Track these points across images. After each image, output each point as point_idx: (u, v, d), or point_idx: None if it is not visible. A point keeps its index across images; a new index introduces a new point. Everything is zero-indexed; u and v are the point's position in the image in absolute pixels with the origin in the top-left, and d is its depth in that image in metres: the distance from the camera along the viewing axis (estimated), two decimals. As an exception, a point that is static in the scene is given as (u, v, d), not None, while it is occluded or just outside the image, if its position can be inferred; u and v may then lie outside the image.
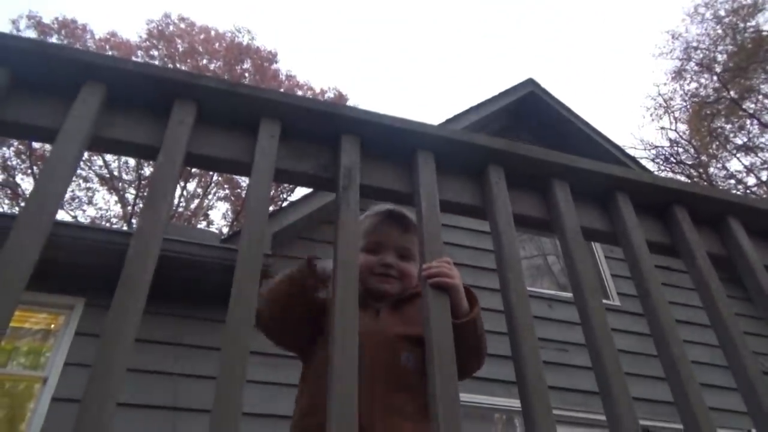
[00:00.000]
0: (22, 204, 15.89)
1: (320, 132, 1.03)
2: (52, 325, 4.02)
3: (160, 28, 18.96)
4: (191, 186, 17.98)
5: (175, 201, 17.08)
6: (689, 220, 1.19)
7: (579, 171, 1.14)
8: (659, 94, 19.08)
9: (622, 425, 0.82)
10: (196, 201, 18.32)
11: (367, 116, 1.04)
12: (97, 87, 0.93)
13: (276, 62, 19.43)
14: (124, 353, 0.69)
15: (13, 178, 16.51)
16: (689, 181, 16.86)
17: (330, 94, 19.34)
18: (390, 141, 1.06)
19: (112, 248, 3.69)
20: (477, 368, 1.26)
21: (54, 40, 17.24)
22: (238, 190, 18.34)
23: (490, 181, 1.07)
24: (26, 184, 16.65)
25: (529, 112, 6.82)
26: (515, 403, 4.64)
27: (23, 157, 16.40)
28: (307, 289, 1.28)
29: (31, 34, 17.02)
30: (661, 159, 18.66)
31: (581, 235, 1.06)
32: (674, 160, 18.64)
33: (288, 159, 1.00)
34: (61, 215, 16.24)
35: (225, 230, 17.33)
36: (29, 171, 16.57)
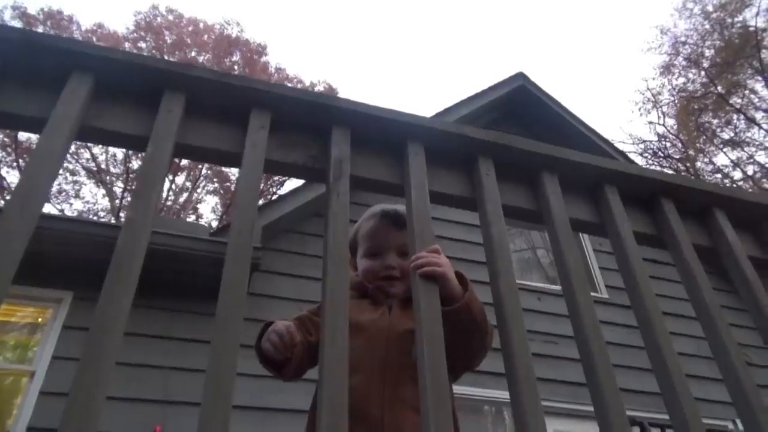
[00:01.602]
0: (9, 195, 15.71)
1: (311, 123, 1.03)
2: (40, 319, 3.99)
3: (147, 19, 18.77)
4: (180, 179, 17.88)
5: (164, 194, 16.96)
6: (676, 211, 1.20)
7: (568, 163, 1.15)
8: (648, 89, 19.23)
9: (609, 416, 0.83)
10: (185, 194, 18.21)
11: (358, 107, 1.04)
12: (85, 76, 0.92)
13: (265, 55, 19.33)
14: (114, 343, 0.69)
15: (-2, 170, 16.31)
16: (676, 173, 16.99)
17: (320, 87, 19.27)
18: (381, 132, 1.06)
19: (101, 241, 3.66)
20: (482, 348, 1.25)
21: (40, 31, 17.01)
22: (228, 184, 18.26)
23: (480, 173, 1.08)
24: (11, 177, 16.46)
25: (519, 105, 6.83)
26: (504, 395, 4.68)
27: (8, 149, 16.20)
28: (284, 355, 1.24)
29: (16, 25, 16.78)
30: (650, 153, 18.82)
31: (570, 226, 1.07)
32: (662, 155, 18.80)
33: (278, 150, 0.99)
34: (48, 208, 16.08)
35: (214, 224, 17.25)
36: (14, 164, 16.38)
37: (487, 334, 1.23)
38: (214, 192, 18.81)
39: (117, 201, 16.89)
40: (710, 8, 18.00)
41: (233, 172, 17.94)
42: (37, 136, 0.87)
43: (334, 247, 0.87)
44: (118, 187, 17.26)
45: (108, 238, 3.88)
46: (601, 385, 0.86)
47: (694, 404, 0.90)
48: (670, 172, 17.76)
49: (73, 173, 17.07)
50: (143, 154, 0.91)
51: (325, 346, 0.77)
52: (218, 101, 0.99)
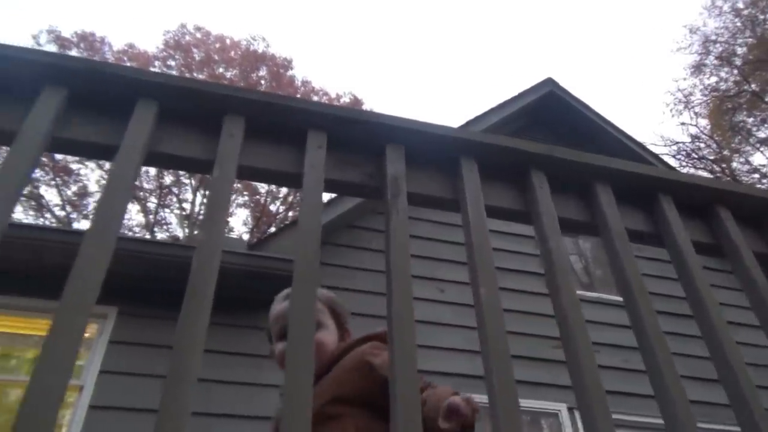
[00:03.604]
0: (89, 220, 16.16)
1: (365, 142, 1.05)
2: (87, 334, 4.10)
3: (176, 38, 19.24)
4: (211, 193, 18.14)
5: (196, 209, 17.27)
6: (732, 219, 1.18)
7: (621, 173, 1.14)
8: (678, 90, 18.85)
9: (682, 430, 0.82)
10: (201, 219, 18.46)
11: (411, 125, 1.05)
12: (150, 104, 0.95)
13: (291, 69, 19.60)
14: (195, 362, 0.71)
15: (37, 189, 16.82)
16: (727, 179, 16.62)
17: (345, 99, 19.43)
18: (434, 149, 1.07)
19: (142, 257, 3.76)
20: None
21: (74, 53, 17.57)
22: (257, 197, 18.49)
23: (533, 186, 1.08)
24: (50, 195, 16.96)
25: (548, 111, 6.79)
26: (539, 404, 4.63)
27: (47, 169, 16.71)
28: None
29: (52, 48, 17.36)
30: (683, 155, 18.44)
31: (627, 236, 1.06)
32: (696, 156, 18.40)
33: (335, 169, 1.01)
34: (88, 224, 16.52)
35: (245, 237, 17.46)
36: (52, 182, 16.89)
37: None
38: (245, 205, 19.07)
39: (151, 216, 17.26)
40: (741, 5, 17.63)
41: (262, 185, 18.15)
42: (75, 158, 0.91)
43: (396, 264, 0.88)
44: (152, 203, 17.64)
45: (148, 253, 3.98)
46: (670, 393, 0.85)
47: (764, 413, 0.88)
48: (705, 173, 17.36)
49: (108, 190, 17.49)
50: (207, 176, 0.94)
51: (395, 363, 0.78)
52: (275, 123, 1.02)
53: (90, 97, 0.95)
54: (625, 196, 1.16)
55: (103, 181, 17.09)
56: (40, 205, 16.72)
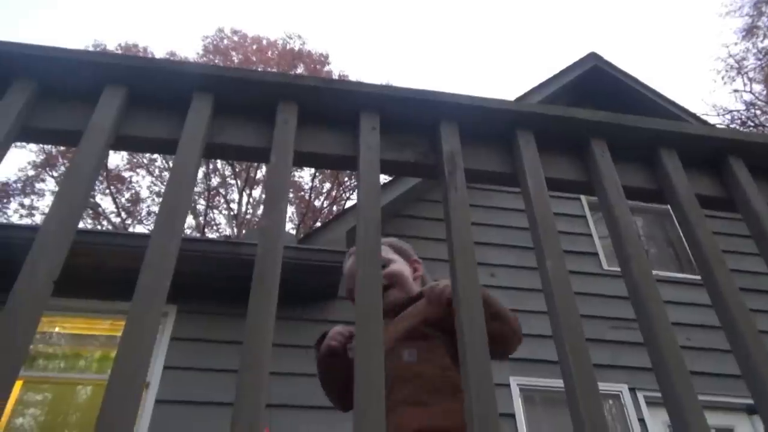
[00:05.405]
0: (104, 220, 16.83)
1: (418, 120, 1.04)
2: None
3: (215, 43, 19.62)
4: (256, 192, 18.52)
5: (243, 208, 17.64)
6: (811, 179, 1.11)
7: (686, 136, 1.09)
8: (730, 55, 17.95)
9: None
10: (263, 207, 18.81)
11: (465, 100, 1.03)
12: (205, 96, 0.97)
13: (328, 64, 19.70)
14: (267, 347, 0.72)
15: (93, 198, 17.51)
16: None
17: (383, 90, 19.37)
18: (488, 123, 1.05)
19: (199, 256, 3.86)
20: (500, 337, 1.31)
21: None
22: (302, 193, 18.72)
23: (595, 155, 1.04)
24: (105, 203, 17.62)
25: (593, 87, 6.59)
26: (600, 386, 4.52)
27: (101, 178, 17.36)
28: (341, 363, 1.44)
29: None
30: (737, 123, 17.58)
31: (697, 203, 1.02)
32: (752, 124, 17.51)
33: (389, 150, 1.01)
34: (142, 229, 17.14)
35: (292, 233, 17.71)
36: (107, 191, 17.54)
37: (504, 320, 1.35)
38: (290, 202, 19.31)
39: (201, 218, 17.72)
40: (795, -40, 16.63)
41: (306, 182, 18.39)
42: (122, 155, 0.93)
43: (459, 240, 0.87)
44: (201, 205, 18.10)
45: (202, 252, 4.08)
46: (760, 372, 0.81)
47: None
48: (763, 141, 16.51)
49: (158, 195, 18.07)
50: (256, 165, 0.94)
51: (465, 334, 0.77)
52: (328, 107, 1.02)
53: (148, 94, 0.97)
54: (692, 161, 1.11)
55: (154, 187, 17.67)
56: (96, 213, 17.41)
